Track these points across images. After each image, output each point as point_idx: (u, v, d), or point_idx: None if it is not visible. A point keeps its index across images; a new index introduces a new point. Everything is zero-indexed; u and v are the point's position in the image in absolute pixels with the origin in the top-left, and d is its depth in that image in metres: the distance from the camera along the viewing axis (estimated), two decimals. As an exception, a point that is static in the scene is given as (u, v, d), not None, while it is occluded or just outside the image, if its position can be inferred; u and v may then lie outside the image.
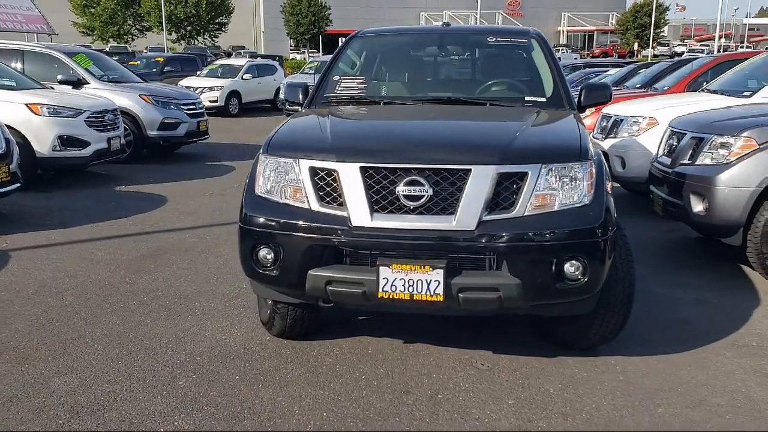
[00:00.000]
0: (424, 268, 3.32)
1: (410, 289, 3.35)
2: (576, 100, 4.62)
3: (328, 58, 24.69)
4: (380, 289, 3.37)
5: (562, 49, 56.69)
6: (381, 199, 3.40)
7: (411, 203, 3.37)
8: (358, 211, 3.39)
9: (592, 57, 60.12)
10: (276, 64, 24.87)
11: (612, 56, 59.80)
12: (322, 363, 3.85)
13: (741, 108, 6.15)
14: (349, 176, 3.42)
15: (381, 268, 3.35)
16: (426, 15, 71.97)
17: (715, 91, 8.43)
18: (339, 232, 3.41)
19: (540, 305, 3.46)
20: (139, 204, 8.00)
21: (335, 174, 3.47)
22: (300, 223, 3.49)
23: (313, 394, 3.49)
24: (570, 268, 3.35)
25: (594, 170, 3.51)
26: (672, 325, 4.44)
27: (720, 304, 4.86)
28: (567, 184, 3.42)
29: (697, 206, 5.38)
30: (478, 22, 55.36)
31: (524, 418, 3.28)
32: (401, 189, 3.37)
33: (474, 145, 3.62)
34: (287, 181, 3.59)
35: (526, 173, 3.37)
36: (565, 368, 3.80)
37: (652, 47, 55.48)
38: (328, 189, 3.49)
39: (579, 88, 4.69)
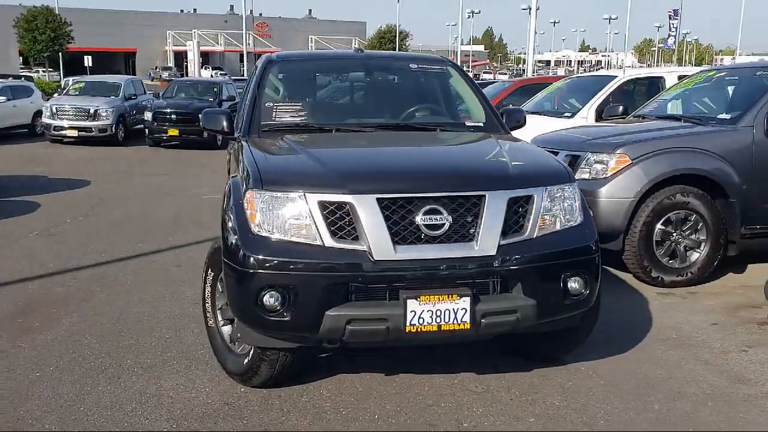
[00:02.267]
0: (451, 297, 3.31)
1: (438, 319, 3.31)
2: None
3: (93, 77, 22.51)
4: (408, 323, 3.28)
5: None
6: (400, 230, 3.32)
7: (432, 232, 3.34)
8: (379, 244, 3.28)
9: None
10: (32, 85, 22.42)
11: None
12: (323, 408, 3.63)
13: (604, 128, 6.89)
14: (366, 209, 3.30)
15: (408, 301, 3.27)
16: (173, 33, 69.67)
17: (535, 113, 9.34)
18: (360, 267, 3.27)
19: (547, 322, 3.61)
20: (-44, 252, 6.77)
21: (348, 207, 3.32)
22: (315, 261, 3.28)
23: (341, 443, 3.29)
24: (574, 284, 3.55)
25: (579, 191, 3.75)
26: (597, 328, 4.83)
27: (618, 305, 5.39)
28: (562, 205, 3.62)
29: (581, 217, 5.92)
30: (247, 41, 54.77)
31: (587, 421, 3.40)
32: (421, 218, 3.32)
33: (482, 171, 3.68)
34: (292, 216, 3.35)
35: (532, 196, 3.51)
36: (550, 380, 3.99)
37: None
38: (340, 223, 3.33)
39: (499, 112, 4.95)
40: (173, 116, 17.90)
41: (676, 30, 47.68)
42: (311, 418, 3.52)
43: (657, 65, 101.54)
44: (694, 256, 5.88)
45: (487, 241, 3.36)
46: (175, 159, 15.74)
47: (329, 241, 3.31)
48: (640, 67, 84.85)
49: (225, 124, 4.56)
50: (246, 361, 3.75)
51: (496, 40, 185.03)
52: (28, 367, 4.09)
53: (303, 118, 4.54)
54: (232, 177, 3.90)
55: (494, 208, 3.39)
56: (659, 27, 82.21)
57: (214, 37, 70.62)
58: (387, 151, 4.10)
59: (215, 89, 20.01)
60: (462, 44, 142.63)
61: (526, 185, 3.52)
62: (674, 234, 5.84)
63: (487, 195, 3.40)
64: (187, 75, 56.99)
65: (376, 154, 4.05)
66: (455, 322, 3.32)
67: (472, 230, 3.38)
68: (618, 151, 5.85)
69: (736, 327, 4.91)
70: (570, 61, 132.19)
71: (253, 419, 3.50)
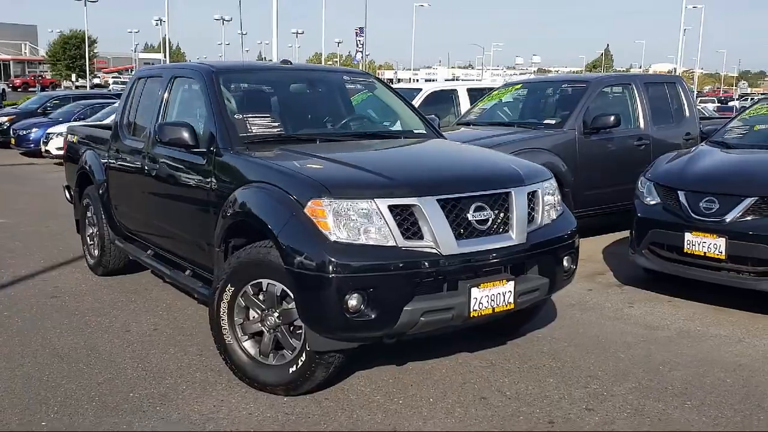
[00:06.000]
0: (501, 282, 3.80)
1: (492, 303, 3.78)
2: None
3: None
4: (472, 309, 3.70)
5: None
6: (457, 226, 3.71)
7: (481, 227, 3.79)
8: (445, 240, 3.63)
9: (13, 88, 56.29)
10: None
11: (35, 86, 57.25)
12: (378, 402, 3.83)
13: (459, 134, 7.67)
14: (430, 210, 3.63)
15: (472, 289, 3.68)
16: None
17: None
18: (433, 263, 3.59)
19: (549, 296, 4.26)
20: None
21: (412, 209, 3.61)
22: (393, 261, 3.52)
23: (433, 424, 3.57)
24: (567, 262, 4.26)
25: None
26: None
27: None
28: (551, 197, 4.30)
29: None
30: None
31: (578, 384, 4.06)
32: (471, 215, 3.75)
33: (503, 171, 4.15)
34: (366, 221, 3.53)
35: (537, 191, 4.14)
36: (528, 348, 4.64)
37: (90, 78, 55.23)
38: (406, 224, 3.61)
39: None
40: None
41: (363, 46, 51.90)
42: (381, 412, 3.70)
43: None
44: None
45: (520, 231, 3.90)
46: None
47: (401, 242, 3.56)
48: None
49: (187, 136, 4.40)
50: (292, 369, 3.77)
51: (174, 48, 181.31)
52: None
53: (279, 130, 4.59)
54: (260, 189, 3.86)
55: (519, 202, 3.95)
56: (339, 42, 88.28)
57: None
58: (416, 158, 4.42)
59: None
60: (142, 52, 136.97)
61: (533, 181, 4.13)
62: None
63: (513, 191, 3.94)
64: None
65: (411, 160, 4.35)
66: (504, 303, 3.81)
67: (507, 223, 3.89)
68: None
69: (606, 290, 6.08)
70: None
71: (329, 423, 3.59)
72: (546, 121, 7.58)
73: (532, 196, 4.10)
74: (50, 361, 4.38)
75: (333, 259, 3.43)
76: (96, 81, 77.45)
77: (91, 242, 6.51)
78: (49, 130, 17.68)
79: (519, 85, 8.70)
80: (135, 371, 4.23)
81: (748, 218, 5.14)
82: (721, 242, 5.18)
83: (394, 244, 3.55)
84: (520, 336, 4.84)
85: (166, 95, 5.18)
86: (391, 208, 3.57)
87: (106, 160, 6.00)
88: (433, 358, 4.41)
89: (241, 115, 4.56)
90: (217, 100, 4.55)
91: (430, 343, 4.51)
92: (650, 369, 4.31)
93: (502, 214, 3.88)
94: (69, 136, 7.12)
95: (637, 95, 7.94)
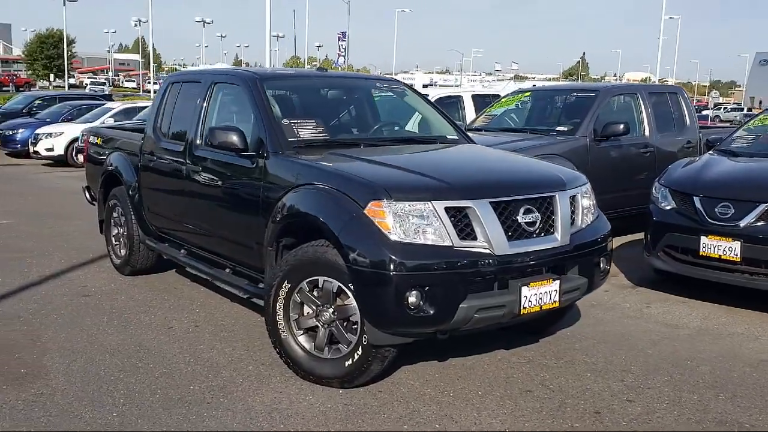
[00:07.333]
0: (548, 281, 4.01)
1: (540, 301, 3.99)
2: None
3: None
4: (522, 307, 3.90)
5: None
6: (508, 228, 3.92)
7: (529, 228, 4.00)
8: (498, 241, 3.84)
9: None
10: None
11: (8, 85, 56.70)
12: (429, 395, 4.01)
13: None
14: (484, 212, 3.83)
15: (522, 288, 3.89)
16: None
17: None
18: (487, 263, 3.79)
19: (584, 294, 4.49)
20: None
21: (467, 211, 3.82)
22: (451, 260, 3.72)
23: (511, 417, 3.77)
24: (602, 264, 4.49)
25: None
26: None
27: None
28: (588, 201, 4.53)
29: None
30: None
31: (614, 378, 4.28)
32: (521, 218, 3.96)
33: (548, 175, 4.36)
34: (424, 222, 3.72)
35: (576, 195, 4.36)
36: (560, 346, 4.85)
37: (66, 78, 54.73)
38: (461, 225, 3.81)
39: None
40: None
41: (345, 51, 52.29)
42: (434, 404, 3.89)
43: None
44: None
45: (564, 233, 4.12)
46: None
47: (457, 242, 3.76)
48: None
49: (237, 140, 4.55)
50: (348, 363, 3.95)
51: (149, 49, 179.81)
52: (92, 412, 3.71)
53: (324, 134, 4.76)
54: (316, 191, 4.04)
55: (563, 205, 4.17)
56: (319, 47, 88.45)
57: None
58: (463, 161, 4.61)
59: None
60: (116, 53, 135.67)
61: (573, 186, 4.35)
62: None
63: (557, 195, 4.16)
64: None
65: (459, 164, 4.54)
66: (550, 301, 4.03)
67: (552, 225, 4.11)
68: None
69: (622, 291, 6.33)
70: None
71: (389, 413, 3.76)
72: (558, 128, 7.84)
73: (573, 200, 4.32)
74: (102, 357, 4.51)
75: (395, 258, 3.61)
76: (71, 81, 76.81)
77: (117, 242, 6.61)
78: (38, 131, 17.61)
79: (528, 93, 8.97)
80: (188, 365, 4.37)
81: (762, 223, 5.42)
82: (736, 245, 5.45)
83: (450, 244, 3.74)
84: (550, 335, 5.06)
85: (206, 100, 5.32)
86: (448, 209, 3.77)
87: (137, 162, 6.11)
88: (473, 355, 4.61)
89: (288, 120, 4.72)
90: (264, 106, 4.72)
91: (467, 340, 4.71)
92: (678, 364, 4.55)
93: (547, 217, 4.10)
94: (91, 138, 7.21)
95: (642, 104, 8.24)
